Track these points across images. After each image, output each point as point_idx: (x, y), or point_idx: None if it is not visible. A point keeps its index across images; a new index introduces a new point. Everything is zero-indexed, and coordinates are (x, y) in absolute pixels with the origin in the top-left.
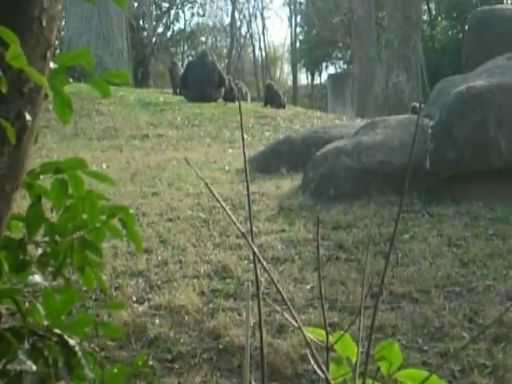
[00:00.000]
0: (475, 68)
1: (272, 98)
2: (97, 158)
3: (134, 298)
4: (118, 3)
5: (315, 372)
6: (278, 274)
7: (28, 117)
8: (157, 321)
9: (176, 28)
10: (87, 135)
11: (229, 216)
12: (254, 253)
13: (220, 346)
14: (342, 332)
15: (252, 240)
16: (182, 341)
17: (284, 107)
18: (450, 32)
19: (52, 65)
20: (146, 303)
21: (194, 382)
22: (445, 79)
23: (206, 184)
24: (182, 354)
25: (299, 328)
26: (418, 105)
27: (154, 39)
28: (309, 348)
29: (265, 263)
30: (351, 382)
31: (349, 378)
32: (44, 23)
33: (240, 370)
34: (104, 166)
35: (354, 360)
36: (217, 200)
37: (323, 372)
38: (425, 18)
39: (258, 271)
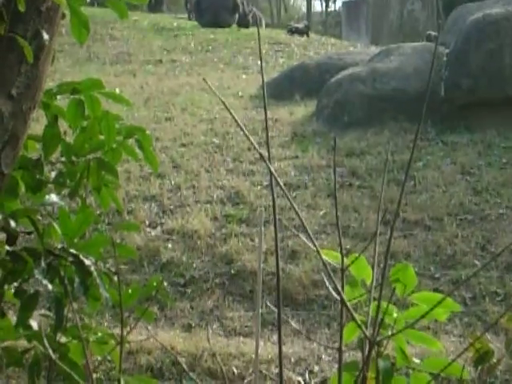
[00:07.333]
0: None
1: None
2: (110, 82)
3: (147, 222)
4: None
5: (327, 297)
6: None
7: (45, 36)
8: (169, 245)
9: None
10: (100, 60)
11: (248, 138)
12: (272, 174)
13: (232, 271)
14: (357, 254)
15: (270, 162)
16: (194, 265)
17: (308, 35)
18: None
19: None
20: (159, 228)
21: (206, 307)
22: (460, 7)
23: (226, 106)
24: (195, 278)
25: (316, 250)
26: (432, 33)
27: None
28: (325, 268)
29: (283, 186)
30: (366, 305)
31: (363, 301)
32: None
33: (252, 294)
34: (117, 90)
35: (368, 283)
36: (236, 123)
37: (338, 293)
38: None
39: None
